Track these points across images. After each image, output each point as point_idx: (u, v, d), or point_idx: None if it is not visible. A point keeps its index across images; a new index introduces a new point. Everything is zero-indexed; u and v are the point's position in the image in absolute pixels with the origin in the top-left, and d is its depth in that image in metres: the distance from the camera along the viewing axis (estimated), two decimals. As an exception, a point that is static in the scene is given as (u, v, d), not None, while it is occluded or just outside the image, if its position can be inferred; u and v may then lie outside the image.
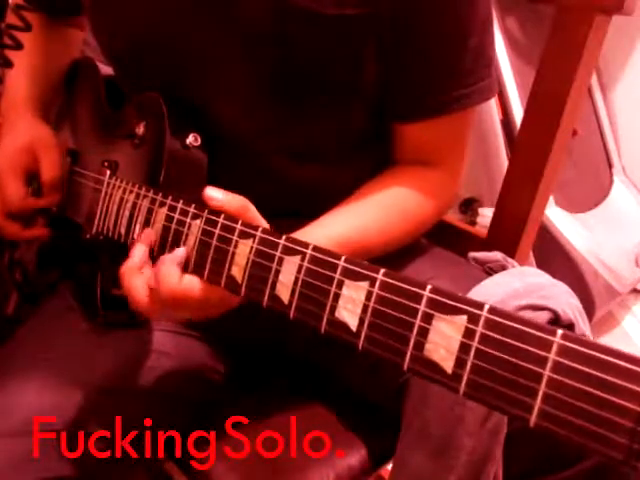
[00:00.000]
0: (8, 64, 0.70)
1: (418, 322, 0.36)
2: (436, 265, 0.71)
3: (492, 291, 0.60)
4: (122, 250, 0.61)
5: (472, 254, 0.72)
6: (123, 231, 0.62)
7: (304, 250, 0.44)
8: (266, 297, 0.46)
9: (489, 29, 0.65)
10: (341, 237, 0.61)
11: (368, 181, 0.69)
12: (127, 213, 0.62)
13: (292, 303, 0.44)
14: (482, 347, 0.33)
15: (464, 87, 0.65)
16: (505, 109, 1.63)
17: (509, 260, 0.69)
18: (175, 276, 0.52)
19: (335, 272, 0.42)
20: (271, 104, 0.63)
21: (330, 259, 0.42)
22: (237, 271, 0.49)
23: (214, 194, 0.51)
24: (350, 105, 0.65)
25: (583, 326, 0.62)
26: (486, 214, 1.68)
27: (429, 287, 0.37)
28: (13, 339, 0.68)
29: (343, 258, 0.42)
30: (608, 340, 1.78)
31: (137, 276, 0.54)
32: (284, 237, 0.46)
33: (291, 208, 0.66)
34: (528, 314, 0.58)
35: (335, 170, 0.69)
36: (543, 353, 0.31)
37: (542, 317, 0.58)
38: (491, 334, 0.33)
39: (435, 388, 0.54)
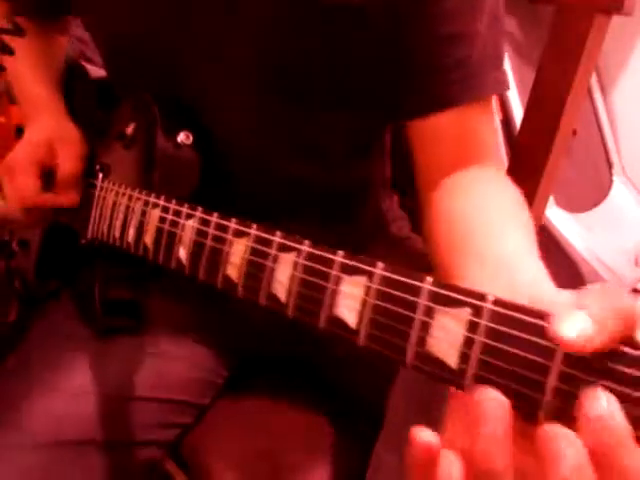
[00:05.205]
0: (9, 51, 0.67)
1: (419, 316, 0.35)
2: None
3: None
4: (117, 253, 0.61)
5: None
6: (117, 234, 0.62)
7: (299, 247, 0.43)
8: (263, 296, 0.45)
9: (499, 23, 0.63)
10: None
11: (474, 206, 0.56)
12: (121, 216, 0.61)
13: (289, 302, 0.44)
14: (487, 340, 0.33)
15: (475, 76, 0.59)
16: (505, 109, 1.63)
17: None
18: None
19: (332, 268, 0.41)
20: (274, 101, 0.62)
21: (326, 254, 0.41)
22: (233, 270, 0.48)
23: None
24: (358, 106, 0.62)
25: None
26: (486, 214, 1.68)
27: (429, 279, 0.36)
28: (17, 349, 0.68)
29: (340, 253, 0.41)
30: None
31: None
32: (278, 233, 0.45)
33: (289, 208, 0.65)
34: None
35: (336, 173, 0.69)
36: (551, 344, 0.30)
37: None
38: (495, 326, 0.32)
39: (416, 390, 0.53)
